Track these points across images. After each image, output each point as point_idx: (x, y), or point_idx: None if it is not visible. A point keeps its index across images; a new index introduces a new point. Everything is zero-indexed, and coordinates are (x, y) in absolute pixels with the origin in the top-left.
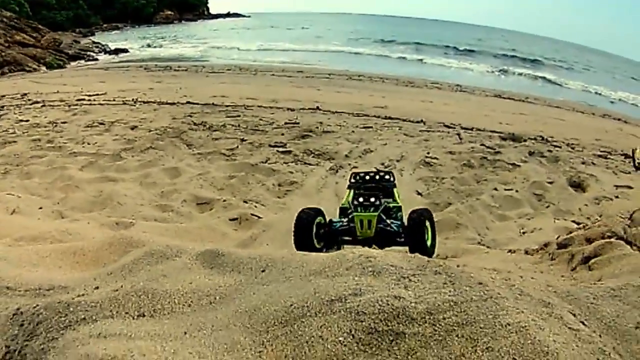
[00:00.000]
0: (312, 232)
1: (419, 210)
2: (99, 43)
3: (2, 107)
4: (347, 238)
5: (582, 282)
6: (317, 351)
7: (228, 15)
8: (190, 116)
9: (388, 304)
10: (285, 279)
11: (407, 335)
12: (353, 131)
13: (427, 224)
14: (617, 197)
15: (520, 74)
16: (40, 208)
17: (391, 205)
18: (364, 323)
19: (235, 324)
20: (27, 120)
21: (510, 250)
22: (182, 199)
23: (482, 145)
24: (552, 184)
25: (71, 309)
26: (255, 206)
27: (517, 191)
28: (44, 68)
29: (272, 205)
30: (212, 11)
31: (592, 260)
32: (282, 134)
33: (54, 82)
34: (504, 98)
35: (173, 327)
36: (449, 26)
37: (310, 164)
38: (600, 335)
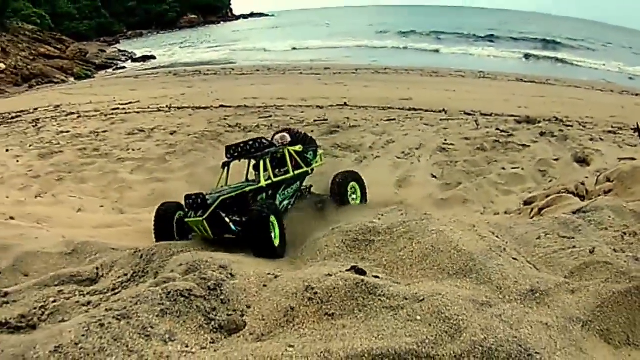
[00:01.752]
0: (172, 227)
1: (262, 205)
2: (125, 51)
3: (38, 119)
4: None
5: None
6: (324, 252)
7: (252, 15)
8: (225, 119)
9: (365, 226)
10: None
11: (375, 241)
12: (377, 124)
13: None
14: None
15: (541, 57)
16: (102, 206)
17: (245, 190)
18: (350, 236)
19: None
20: (67, 131)
21: (496, 213)
22: None
23: (497, 129)
24: (558, 160)
25: (171, 247)
26: None
27: (523, 169)
28: (72, 79)
29: None
30: (236, 12)
31: (544, 210)
32: (312, 131)
33: (85, 93)
34: (525, 82)
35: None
36: (465, 12)
37: (337, 157)
38: (506, 242)
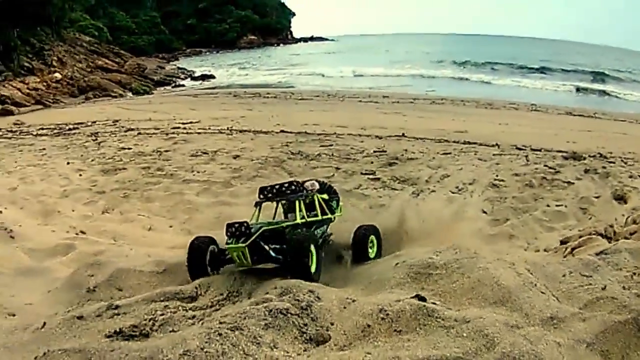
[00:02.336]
0: (205, 261)
1: (303, 234)
2: (184, 69)
3: (97, 133)
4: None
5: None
6: (392, 282)
7: (312, 39)
8: (287, 145)
9: (426, 261)
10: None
11: (433, 274)
12: (434, 157)
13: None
14: None
15: (590, 90)
16: (170, 227)
17: (282, 225)
18: (413, 269)
19: None
20: (129, 148)
21: (537, 250)
22: None
23: (545, 165)
24: (598, 198)
25: (258, 272)
26: None
27: (565, 206)
28: (129, 94)
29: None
30: (296, 35)
31: (576, 250)
32: (372, 162)
33: (144, 109)
34: (574, 115)
35: None
36: (515, 41)
37: (396, 189)
38: (537, 278)
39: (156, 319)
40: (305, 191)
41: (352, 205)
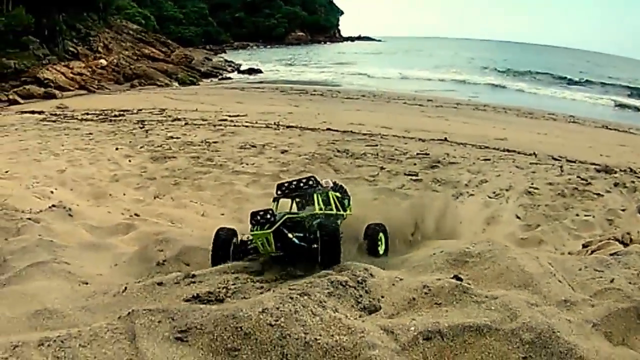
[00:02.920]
0: (229, 251)
1: (331, 221)
2: (231, 61)
3: (143, 121)
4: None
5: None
6: (433, 267)
7: (359, 38)
8: (333, 143)
9: (463, 250)
10: None
11: (469, 262)
12: (474, 162)
13: (381, 235)
14: None
15: (626, 105)
16: (222, 214)
17: (302, 215)
18: (452, 256)
19: None
20: (178, 138)
21: (562, 253)
22: None
23: (577, 177)
24: (624, 210)
25: None
26: None
27: (593, 217)
28: (175, 84)
29: None
30: (344, 33)
31: (595, 252)
32: (415, 164)
33: (190, 100)
34: (609, 129)
35: None
36: (556, 52)
37: (437, 191)
38: (556, 270)
39: (229, 287)
40: (321, 187)
41: (395, 205)
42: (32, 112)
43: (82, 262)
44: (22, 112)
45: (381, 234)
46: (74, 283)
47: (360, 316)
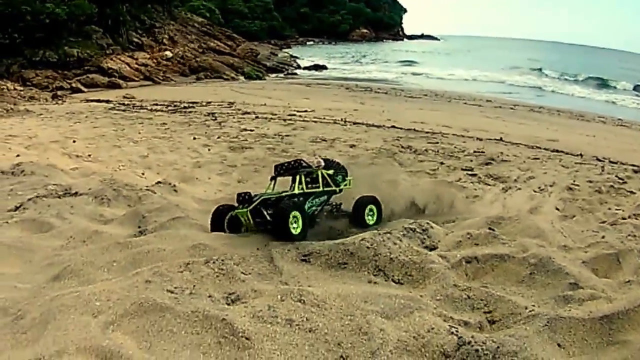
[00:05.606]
0: (224, 223)
1: (288, 202)
2: (296, 57)
3: (214, 113)
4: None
5: None
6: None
7: (421, 37)
8: (398, 140)
9: (499, 215)
10: None
11: (502, 222)
12: (524, 161)
13: (372, 207)
14: None
15: None
16: None
17: (281, 194)
18: (490, 219)
19: None
20: (252, 130)
21: None
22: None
23: (616, 176)
24: None
25: None
26: None
27: (623, 210)
28: (242, 78)
29: None
30: (407, 31)
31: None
32: (471, 160)
33: (257, 94)
34: None
35: None
36: (603, 52)
37: (489, 185)
38: (564, 230)
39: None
40: (307, 167)
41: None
42: (99, 100)
43: (205, 223)
44: (88, 101)
45: (371, 205)
46: (209, 233)
47: (425, 253)
